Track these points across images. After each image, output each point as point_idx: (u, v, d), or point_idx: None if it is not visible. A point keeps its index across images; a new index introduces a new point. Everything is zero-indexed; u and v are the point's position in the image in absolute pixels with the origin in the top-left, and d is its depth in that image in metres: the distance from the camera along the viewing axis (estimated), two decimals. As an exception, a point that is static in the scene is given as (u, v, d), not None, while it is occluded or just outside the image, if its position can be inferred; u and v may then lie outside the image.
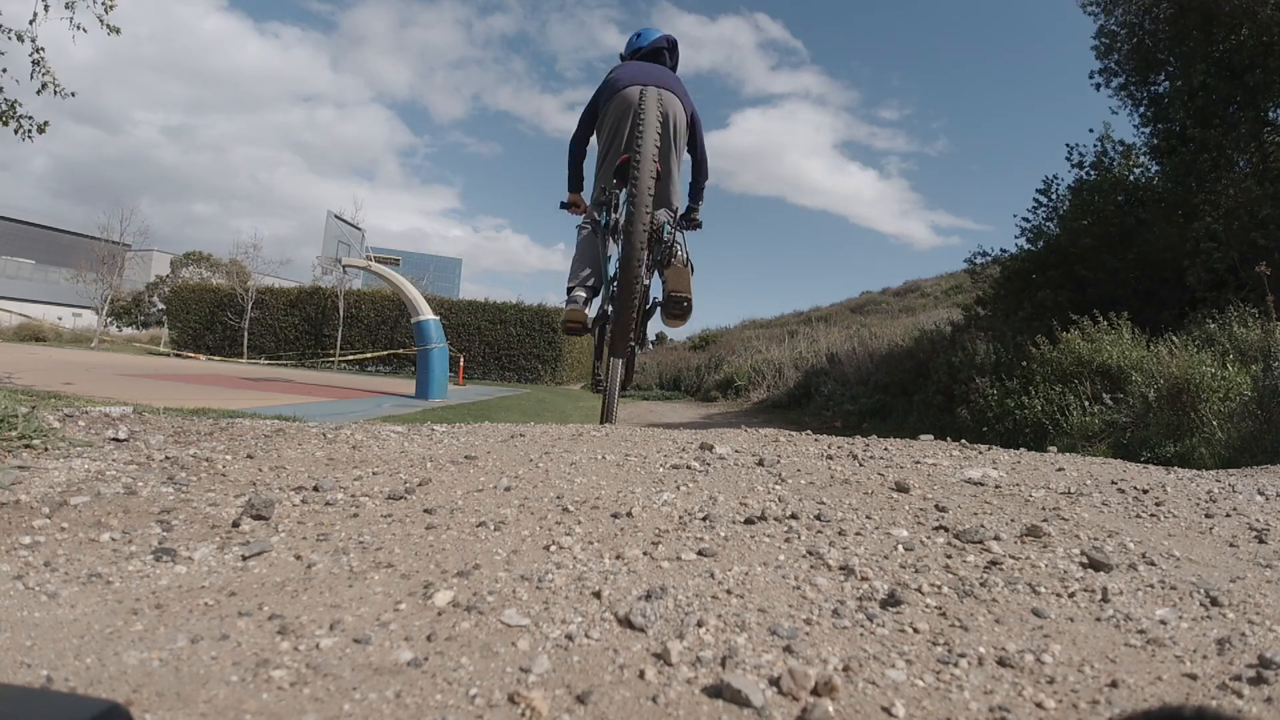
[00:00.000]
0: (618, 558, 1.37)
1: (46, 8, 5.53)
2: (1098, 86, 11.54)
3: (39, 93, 5.73)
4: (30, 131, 5.79)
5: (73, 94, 5.87)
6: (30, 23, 5.49)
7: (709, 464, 2.26)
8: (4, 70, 5.59)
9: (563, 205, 4.27)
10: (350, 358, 21.98)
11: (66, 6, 5.62)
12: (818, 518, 1.68)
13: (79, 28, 5.68)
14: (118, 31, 5.75)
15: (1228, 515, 1.97)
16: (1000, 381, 8.21)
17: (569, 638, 1.02)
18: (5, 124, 5.67)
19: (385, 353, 21.28)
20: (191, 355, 23.12)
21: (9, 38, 5.52)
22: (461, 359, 18.95)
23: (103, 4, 5.66)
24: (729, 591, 1.22)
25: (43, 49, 5.66)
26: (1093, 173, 10.93)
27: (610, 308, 3.91)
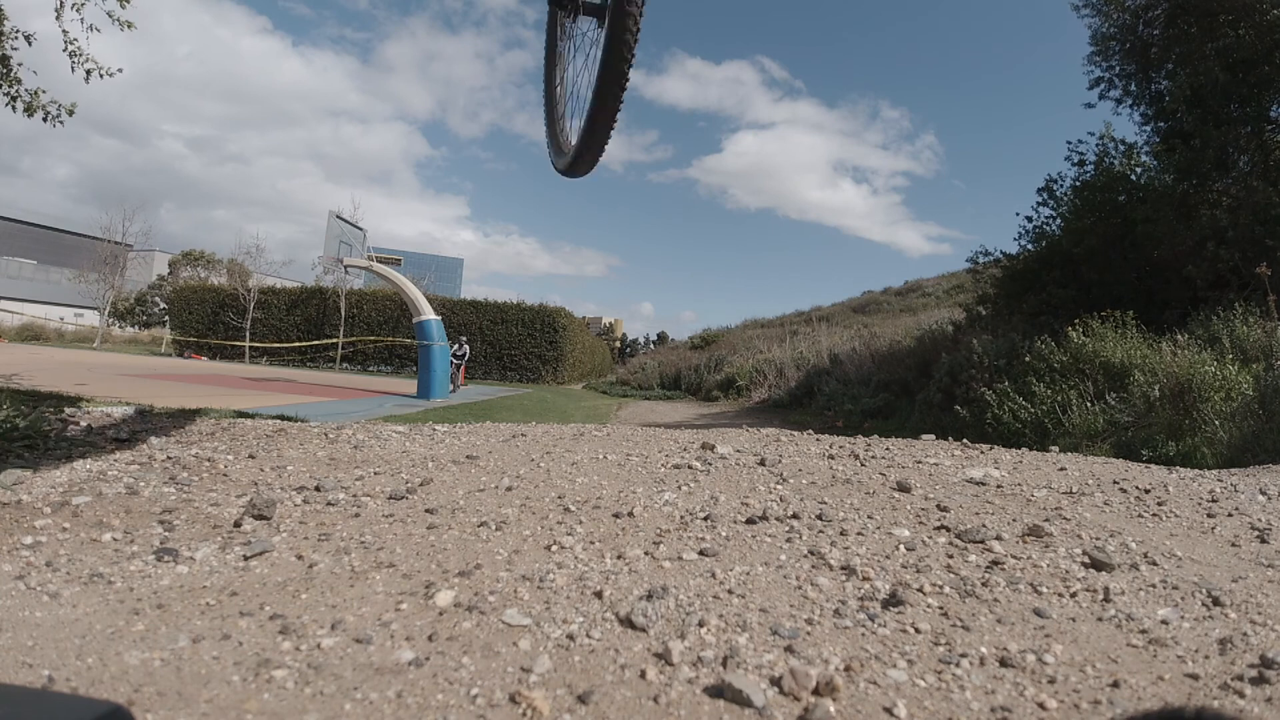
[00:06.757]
0: (619, 558, 1.37)
1: (63, 2, 5.55)
2: (1100, 95, 11.51)
3: (86, 80, 5.76)
4: (60, 116, 5.83)
5: (120, 70, 5.91)
6: (56, 16, 5.52)
7: (710, 464, 2.26)
8: (21, 64, 5.61)
9: None
10: (350, 341, 21.98)
11: (74, 9, 5.62)
12: (819, 517, 1.68)
13: (91, 28, 5.69)
14: (131, 26, 5.75)
15: (1230, 515, 1.97)
16: (1002, 380, 8.20)
17: (570, 638, 1.02)
18: (31, 114, 5.70)
19: (377, 339, 21.23)
20: (195, 355, 23.18)
21: (24, 37, 5.54)
22: (464, 359, 18.98)
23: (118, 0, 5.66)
24: (730, 591, 1.22)
25: (76, 40, 5.70)
26: (1093, 170, 10.91)
27: None
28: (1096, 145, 11.19)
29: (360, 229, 12.76)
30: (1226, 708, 0.90)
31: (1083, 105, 11.58)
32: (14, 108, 5.64)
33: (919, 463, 2.43)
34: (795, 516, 1.67)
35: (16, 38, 5.61)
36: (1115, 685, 0.94)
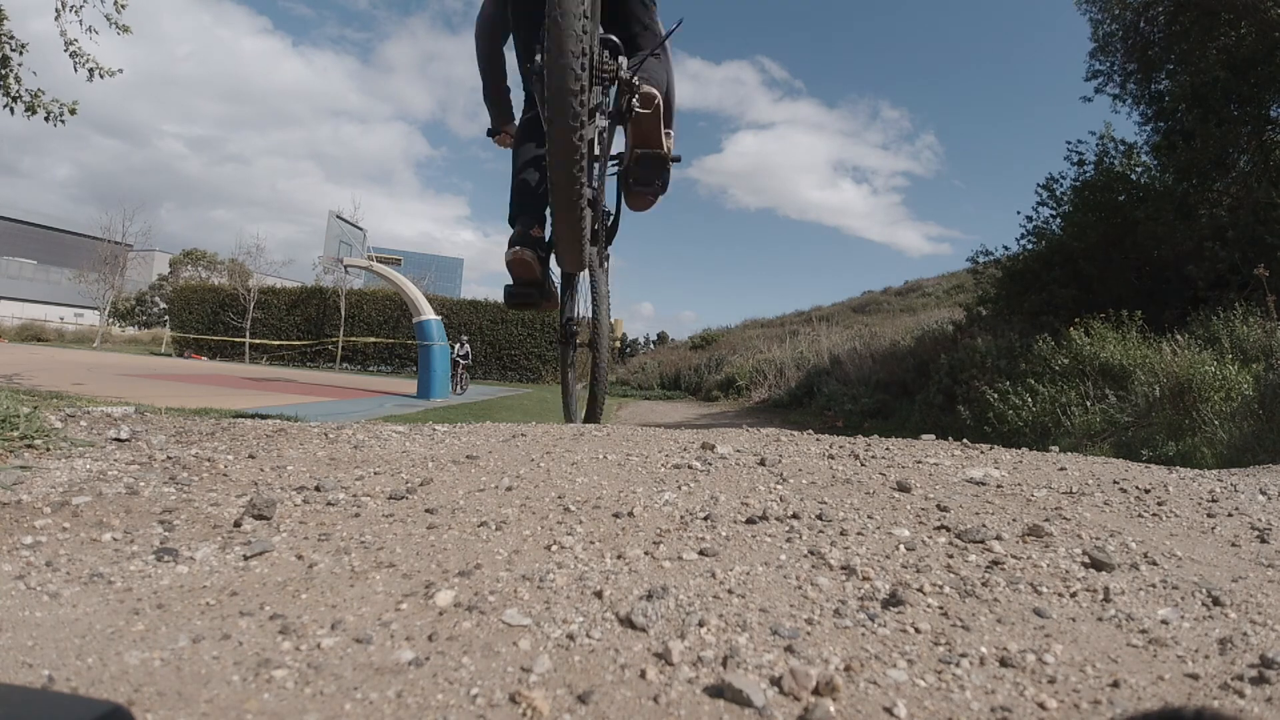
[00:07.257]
0: (619, 557, 1.37)
1: (64, 3, 5.58)
2: (1096, 89, 11.50)
3: (90, 79, 5.81)
4: (61, 115, 5.86)
5: (120, 70, 5.95)
6: (56, 17, 5.56)
7: (710, 463, 2.26)
8: (21, 64, 5.64)
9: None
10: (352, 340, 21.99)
11: (72, 10, 5.64)
12: (819, 517, 1.68)
13: (90, 29, 5.73)
14: (128, 30, 5.78)
15: (1230, 515, 1.97)
16: (1003, 380, 8.20)
17: (570, 637, 1.02)
18: (33, 114, 5.73)
19: (377, 339, 21.29)
20: (195, 355, 23.19)
21: (18, 46, 5.58)
22: (467, 359, 18.98)
23: (114, 3, 5.70)
24: (730, 591, 1.21)
25: (75, 40, 5.74)
26: (1093, 170, 10.91)
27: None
28: (1096, 145, 11.22)
29: (360, 229, 12.77)
30: (1226, 708, 0.90)
31: (1080, 99, 11.60)
32: (12, 109, 5.67)
33: (919, 463, 2.43)
34: (795, 516, 1.67)
35: (12, 40, 5.65)
36: (1115, 685, 0.94)
